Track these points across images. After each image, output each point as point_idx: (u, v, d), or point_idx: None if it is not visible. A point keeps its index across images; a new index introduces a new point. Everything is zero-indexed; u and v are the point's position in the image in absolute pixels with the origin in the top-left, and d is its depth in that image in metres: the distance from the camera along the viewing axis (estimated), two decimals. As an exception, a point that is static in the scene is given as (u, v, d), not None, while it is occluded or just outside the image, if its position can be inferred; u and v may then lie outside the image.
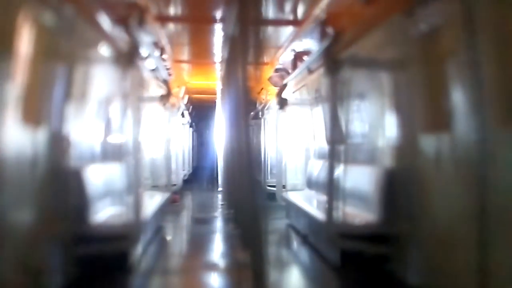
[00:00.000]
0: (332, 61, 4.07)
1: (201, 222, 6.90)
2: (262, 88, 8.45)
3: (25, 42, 2.83)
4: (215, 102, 10.03)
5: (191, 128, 14.12)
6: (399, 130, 3.92)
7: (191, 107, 12.97)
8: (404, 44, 3.63)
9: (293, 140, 7.86)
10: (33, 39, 2.90)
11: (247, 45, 2.14)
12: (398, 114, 3.97)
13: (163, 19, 5.45)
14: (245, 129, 2.17)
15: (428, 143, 3.36)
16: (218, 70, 7.79)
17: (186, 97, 10.89)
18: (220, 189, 9.50)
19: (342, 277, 4.01)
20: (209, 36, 6.43)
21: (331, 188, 4.02)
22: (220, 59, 6.42)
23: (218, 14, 5.10)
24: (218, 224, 6.80)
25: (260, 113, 8.97)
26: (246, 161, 2.11)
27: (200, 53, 7.70)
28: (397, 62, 3.80)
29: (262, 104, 8.92)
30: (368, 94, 4.67)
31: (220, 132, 7.51)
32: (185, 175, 11.27)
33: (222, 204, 8.29)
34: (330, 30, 4.73)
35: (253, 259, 2.13)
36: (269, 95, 8.59)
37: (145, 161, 5.97)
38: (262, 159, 8.44)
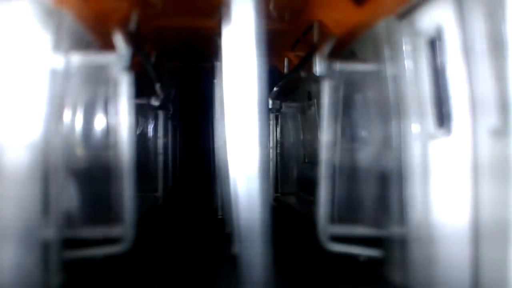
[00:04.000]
0: (325, 63, 4.06)
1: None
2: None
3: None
4: (211, 75, 5.14)
5: (173, 120, 9.66)
6: (395, 132, 3.91)
7: (173, 89, 8.86)
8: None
9: (285, 142, 7.86)
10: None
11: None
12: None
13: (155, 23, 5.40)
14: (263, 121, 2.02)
15: (423, 145, 3.37)
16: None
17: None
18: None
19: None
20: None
21: (323, 191, 4.01)
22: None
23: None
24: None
25: None
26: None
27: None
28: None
29: None
30: (359, 97, 4.66)
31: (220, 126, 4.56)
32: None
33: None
34: (323, 32, 4.73)
35: (247, 258, 2.10)
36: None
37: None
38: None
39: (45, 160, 3.40)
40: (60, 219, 3.61)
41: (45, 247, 3.31)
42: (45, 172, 3.40)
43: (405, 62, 3.53)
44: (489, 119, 2.59)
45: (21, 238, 3.00)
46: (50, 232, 3.38)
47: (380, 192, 3.91)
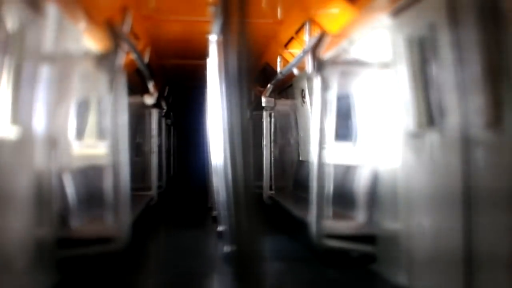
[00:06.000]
0: (318, 61, 4.08)
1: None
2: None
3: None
4: (204, 73, 5.41)
5: (167, 119, 10.08)
6: (387, 130, 3.94)
7: (166, 87, 9.32)
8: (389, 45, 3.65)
9: (280, 141, 7.87)
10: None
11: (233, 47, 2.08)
12: (384, 114, 3.99)
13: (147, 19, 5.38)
14: (244, 121, 2.05)
15: (415, 143, 3.39)
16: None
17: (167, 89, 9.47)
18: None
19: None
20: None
21: (316, 189, 4.03)
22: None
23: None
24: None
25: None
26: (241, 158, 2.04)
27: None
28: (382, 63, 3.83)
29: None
30: (353, 95, 4.69)
31: (214, 125, 4.50)
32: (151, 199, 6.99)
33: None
34: (316, 30, 4.74)
35: (241, 256, 2.11)
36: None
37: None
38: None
39: (40, 159, 3.40)
40: (55, 218, 3.62)
41: (40, 246, 3.32)
42: (42, 171, 3.40)
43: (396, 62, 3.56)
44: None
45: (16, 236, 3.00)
46: (45, 231, 3.38)
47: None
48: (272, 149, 7.44)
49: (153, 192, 7.21)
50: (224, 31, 2.25)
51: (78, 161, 4.54)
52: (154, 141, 7.60)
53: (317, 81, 4.10)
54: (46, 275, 3.41)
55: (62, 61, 3.77)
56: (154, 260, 4.87)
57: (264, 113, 7.20)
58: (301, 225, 4.71)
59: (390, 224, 3.72)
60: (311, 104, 6.27)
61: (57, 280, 3.49)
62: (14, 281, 2.91)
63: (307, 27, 4.89)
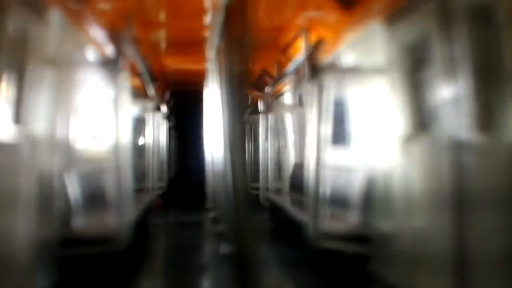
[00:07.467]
0: (314, 67, 4.17)
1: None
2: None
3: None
4: (204, 78, 6.09)
5: (168, 122, 10.26)
6: (380, 134, 4.03)
7: (168, 91, 9.50)
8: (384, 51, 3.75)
9: (276, 144, 7.95)
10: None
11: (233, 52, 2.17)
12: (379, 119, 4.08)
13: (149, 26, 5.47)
14: (240, 125, 2.14)
15: (407, 146, 3.49)
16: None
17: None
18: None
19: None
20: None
21: (313, 191, 4.10)
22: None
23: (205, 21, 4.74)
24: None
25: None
26: (237, 160, 2.13)
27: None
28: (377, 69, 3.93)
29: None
30: (348, 100, 4.77)
31: (213, 128, 4.86)
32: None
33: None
34: (312, 37, 4.84)
35: (239, 257, 2.19)
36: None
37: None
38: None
39: (43, 160, 3.48)
40: (57, 219, 3.69)
41: (43, 246, 3.37)
42: (45, 172, 3.48)
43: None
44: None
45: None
46: (47, 232, 3.45)
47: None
48: (269, 152, 7.51)
49: (154, 193, 7.27)
50: (224, 37, 2.35)
51: (81, 162, 4.60)
52: (155, 144, 7.67)
53: (313, 86, 4.18)
54: (48, 274, 3.47)
55: (65, 66, 3.86)
56: (155, 260, 4.92)
57: (261, 117, 7.28)
58: (298, 226, 4.79)
59: (384, 225, 3.80)
60: (307, 109, 6.35)
61: (59, 279, 3.54)
62: (17, 280, 2.97)
63: (304, 34, 5.00)
